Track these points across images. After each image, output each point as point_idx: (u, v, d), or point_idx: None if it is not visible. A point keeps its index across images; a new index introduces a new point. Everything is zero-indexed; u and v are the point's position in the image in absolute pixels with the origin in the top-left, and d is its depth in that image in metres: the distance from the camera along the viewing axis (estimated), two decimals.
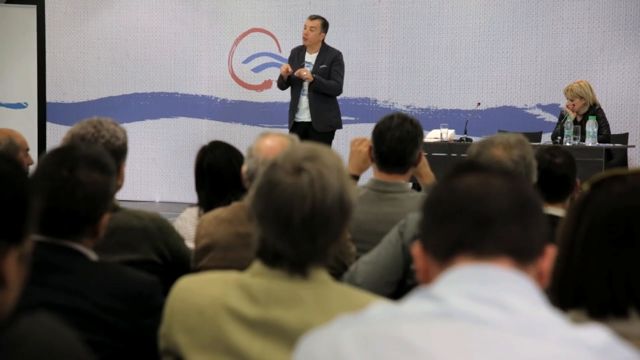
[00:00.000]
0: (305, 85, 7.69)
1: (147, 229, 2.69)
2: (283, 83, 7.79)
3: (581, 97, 7.51)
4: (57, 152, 2.14)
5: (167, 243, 2.77)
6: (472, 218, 1.24)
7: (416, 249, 1.30)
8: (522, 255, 1.25)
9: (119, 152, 2.73)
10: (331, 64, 7.71)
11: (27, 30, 10.52)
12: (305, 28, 7.81)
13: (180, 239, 2.89)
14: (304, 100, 7.71)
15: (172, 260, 2.78)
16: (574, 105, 7.58)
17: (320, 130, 7.61)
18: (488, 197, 1.25)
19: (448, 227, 1.26)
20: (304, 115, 7.74)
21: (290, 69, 7.63)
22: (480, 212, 1.25)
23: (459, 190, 1.27)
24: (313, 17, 7.85)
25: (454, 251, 1.25)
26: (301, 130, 7.56)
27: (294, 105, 7.78)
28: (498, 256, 1.24)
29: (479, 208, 1.25)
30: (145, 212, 2.80)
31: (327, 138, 7.61)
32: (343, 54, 9.65)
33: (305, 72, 7.58)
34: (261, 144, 2.76)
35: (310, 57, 7.79)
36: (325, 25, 7.83)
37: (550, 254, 1.28)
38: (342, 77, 7.76)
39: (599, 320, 1.46)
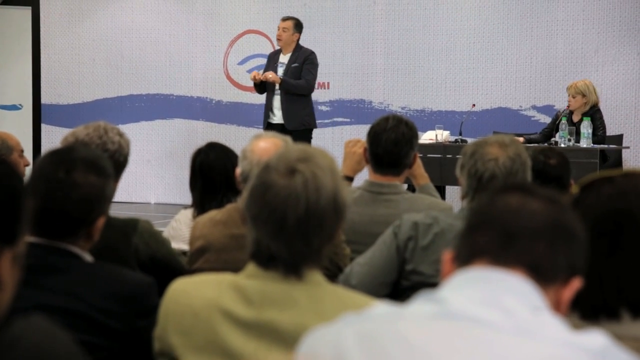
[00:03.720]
0: (278, 85, 7.76)
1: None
2: (257, 87, 7.88)
3: (584, 95, 7.50)
4: (54, 153, 2.14)
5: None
6: (499, 230, 1.27)
7: (447, 255, 1.32)
8: (540, 273, 1.25)
9: (119, 167, 2.72)
10: (303, 63, 7.79)
11: (22, 31, 10.51)
12: (278, 29, 7.91)
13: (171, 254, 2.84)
14: (277, 101, 7.79)
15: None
16: (570, 104, 7.57)
17: (292, 128, 7.60)
18: (520, 215, 1.27)
19: (476, 236, 1.28)
20: (277, 116, 7.81)
21: (258, 76, 7.72)
22: (508, 226, 1.27)
23: (497, 204, 1.30)
24: (285, 18, 7.95)
25: (473, 258, 1.27)
26: (276, 131, 7.53)
27: (268, 107, 7.87)
28: (514, 266, 1.25)
29: (508, 223, 1.27)
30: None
31: (302, 137, 7.56)
32: (338, 55, 9.69)
33: (271, 74, 7.68)
34: (255, 145, 2.76)
35: (284, 58, 7.89)
36: (298, 26, 7.92)
37: (575, 285, 1.29)
38: (313, 75, 7.84)
39: (591, 322, 1.46)
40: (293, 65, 7.78)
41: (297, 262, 1.69)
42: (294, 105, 7.74)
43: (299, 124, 7.75)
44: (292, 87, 7.71)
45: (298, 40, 7.91)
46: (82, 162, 2.07)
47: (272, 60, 7.93)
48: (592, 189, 1.54)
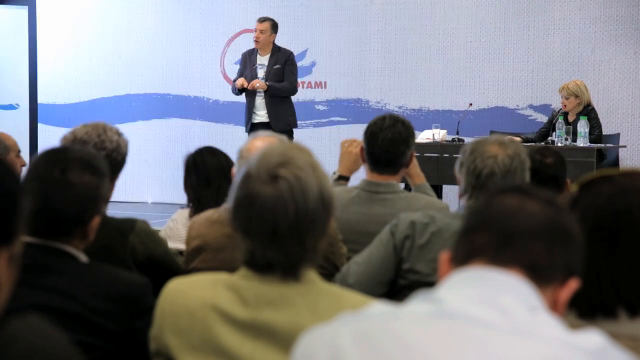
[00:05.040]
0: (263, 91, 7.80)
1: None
2: (238, 90, 7.91)
3: (576, 96, 7.52)
4: (49, 152, 2.14)
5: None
6: (497, 231, 1.27)
7: (444, 256, 1.32)
8: (538, 273, 1.25)
9: (117, 166, 2.72)
10: (284, 64, 7.83)
11: (19, 31, 10.50)
12: (255, 31, 7.92)
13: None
14: (260, 102, 7.84)
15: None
16: (566, 105, 7.59)
17: (279, 129, 7.67)
18: (517, 216, 1.27)
19: (473, 236, 1.28)
20: (261, 116, 7.86)
21: (245, 83, 7.74)
22: (506, 227, 1.27)
23: (494, 205, 1.30)
24: (262, 20, 7.95)
25: (471, 258, 1.27)
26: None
27: (250, 107, 7.90)
28: (512, 266, 1.25)
29: (505, 223, 1.27)
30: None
31: (286, 137, 7.65)
32: (335, 54, 9.69)
33: (259, 83, 7.72)
34: (251, 145, 2.76)
35: (263, 59, 7.91)
36: (274, 27, 7.95)
37: (572, 286, 1.29)
38: (295, 76, 7.92)
39: (588, 320, 1.46)
40: (275, 67, 7.82)
41: (294, 265, 1.68)
42: (279, 107, 7.82)
43: (285, 125, 7.82)
44: (279, 91, 7.78)
45: (274, 40, 7.94)
46: (77, 161, 2.07)
47: (248, 61, 7.94)
48: (592, 187, 1.54)
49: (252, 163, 1.71)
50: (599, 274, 1.47)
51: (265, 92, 7.74)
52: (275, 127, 7.68)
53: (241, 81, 7.77)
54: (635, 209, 1.48)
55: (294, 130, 8.10)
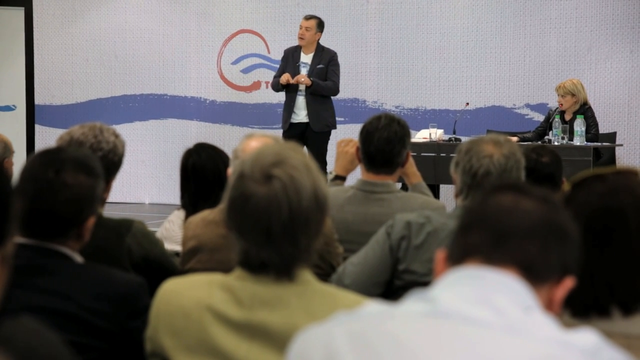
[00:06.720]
0: (302, 86, 7.73)
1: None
2: (280, 87, 7.81)
3: (573, 95, 7.53)
4: (44, 153, 2.13)
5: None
6: (492, 230, 1.27)
7: (439, 255, 1.32)
8: (532, 272, 1.25)
9: (113, 167, 2.72)
10: (328, 64, 7.77)
11: (15, 32, 10.49)
12: (300, 28, 7.86)
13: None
14: (301, 101, 7.76)
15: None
16: (562, 105, 7.60)
17: (318, 130, 7.67)
18: (512, 214, 1.27)
19: (468, 235, 1.28)
20: (300, 116, 7.78)
21: (290, 79, 7.66)
22: (501, 226, 1.27)
23: (490, 204, 1.30)
24: (308, 17, 7.89)
25: (466, 257, 1.27)
26: (298, 131, 7.59)
27: (289, 106, 7.81)
28: (506, 265, 1.25)
29: (501, 222, 1.27)
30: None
31: (324, 138, 7.68)
32: None
33: (304, 78, 7.64)
34: (246, 145, 2.76)
35: (306, 58, 7.84)
36: (320, 25, 7.89)
37: (568, 284, 1.29)
38: (338, 77, 7.84)
39: (582, 319, 1.46)
40: (318, 66, 7.75)
41: (288, 265, 1.68)
42: (320, 107, 7.76)
43: (324, 126, 7.78)
44: (322, 89, 7.71)
45: (319, 39, 7.88)
46: (71, 162, 2.07)
47: (291, 58, 7.86)
48: (584, 186, 1.54)
49: (246, 163, 1.71)
50: (592, 273, 1.47)
51: (307, 88, 7.66)
52: (314, 127, 7.65)
53: (286, 76, 7.68)
54: (627, 207, 1.48)
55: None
